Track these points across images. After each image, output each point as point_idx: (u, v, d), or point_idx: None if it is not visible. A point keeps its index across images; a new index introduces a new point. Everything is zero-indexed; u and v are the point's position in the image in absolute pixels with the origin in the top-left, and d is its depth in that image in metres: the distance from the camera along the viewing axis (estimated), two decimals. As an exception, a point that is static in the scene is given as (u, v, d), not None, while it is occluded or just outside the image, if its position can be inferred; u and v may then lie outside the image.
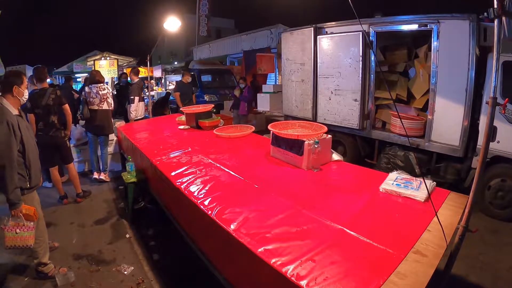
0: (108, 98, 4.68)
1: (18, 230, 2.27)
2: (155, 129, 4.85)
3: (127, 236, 3.31)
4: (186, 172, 2.64)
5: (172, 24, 5.48)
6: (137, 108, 6.05)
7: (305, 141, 2.55)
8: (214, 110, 5.01)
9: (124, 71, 10.75)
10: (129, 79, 7.58)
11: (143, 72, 10.83)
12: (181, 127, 4.48)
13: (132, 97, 5.98)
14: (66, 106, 3.91)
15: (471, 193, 1.58)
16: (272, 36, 9.11)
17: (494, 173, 3.59)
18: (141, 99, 6.19)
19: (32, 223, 2.34)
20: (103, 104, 4.62)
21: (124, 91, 7.41)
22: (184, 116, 4.63)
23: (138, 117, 6.10)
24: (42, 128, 3.79)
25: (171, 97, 10.90)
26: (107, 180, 4.88)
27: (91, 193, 4.34)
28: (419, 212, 1.82)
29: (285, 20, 8.87)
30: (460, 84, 3.65)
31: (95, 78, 4.69)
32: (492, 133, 2.16)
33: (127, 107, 6.32)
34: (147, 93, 8.27)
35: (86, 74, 9.32)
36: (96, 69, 10.15)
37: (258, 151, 3.16)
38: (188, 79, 7.24)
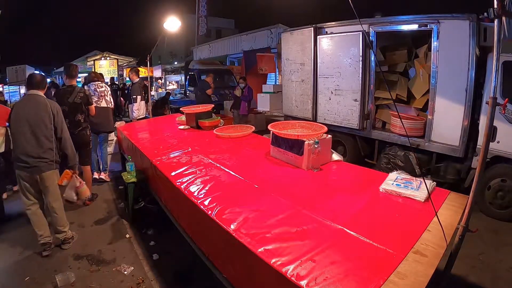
0: (106, 95, 4.70)
1: (84, 186, 3.10)
2: (155, 129, 4.85)
3: (127, 236, 3.31)
4: (186, 172, 2.64)
5: (172, 24, 5.47)
6: (139, 107, 6.11)
7: (305, 141, 2.55)
8: (214, 110, 5.01)
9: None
10: (127, 79, 7.65)
11: (143, 72, 10.87)
12: (181, 127, 4.48)
13: (135, 96, 6.02)
14: (93, 106, 4.02)
15: (471, 193, 1.58)
16: (272, 36, 9.15)
17: (494, 173, 3.59)
18: (143, 98, 6.24)
19: None
20: (101, 102, 4.63)
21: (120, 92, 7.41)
22: (184, 116, 4.64)
23: (141, 116, 6.15)
24: (68, 126, 3.81)
25: (170, 97, 10.86)
26: (107, 180, 4.88)
27: (97, 196, 4.30)
28: (419, 212, 1.82)
29: (285, 20, 8.91)
30: (460, 84, 3.65)
31: (93, 78, 4.73)
32: (492, 133, 2.16)
33: (129, 106, 6.36)
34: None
35: (86, 74, 9.39)
36: (96, 69, 10.20)
37: (258, 151, 3.16)
38: (211, 80, 7.56)
